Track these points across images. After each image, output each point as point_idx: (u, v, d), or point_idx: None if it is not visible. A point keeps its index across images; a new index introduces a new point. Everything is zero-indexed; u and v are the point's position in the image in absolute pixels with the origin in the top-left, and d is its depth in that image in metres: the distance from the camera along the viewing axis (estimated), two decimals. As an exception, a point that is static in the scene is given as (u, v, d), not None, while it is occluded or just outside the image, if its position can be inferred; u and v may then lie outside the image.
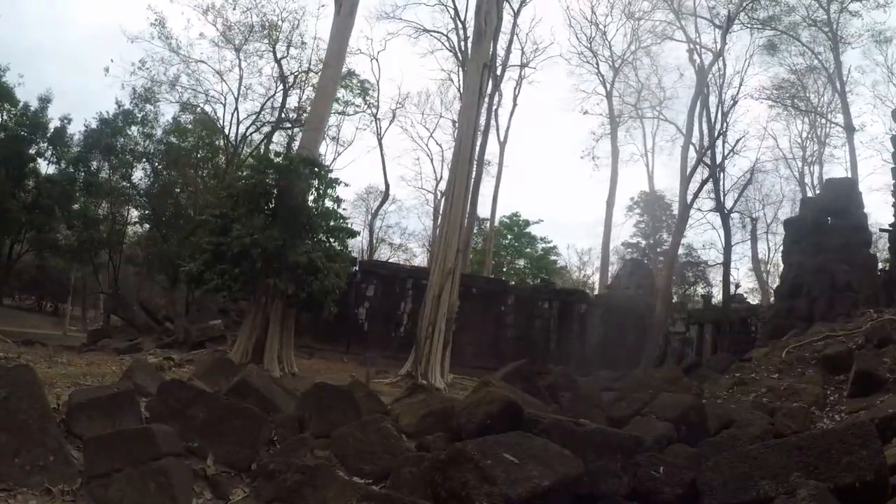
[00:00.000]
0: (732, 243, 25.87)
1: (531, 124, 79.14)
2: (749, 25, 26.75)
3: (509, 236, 43.37)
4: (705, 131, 23.51)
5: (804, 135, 35.75)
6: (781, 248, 20.90)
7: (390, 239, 44.77)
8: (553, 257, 46.66)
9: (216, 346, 15.22)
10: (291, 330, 13.85)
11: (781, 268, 20.99)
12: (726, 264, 24.86)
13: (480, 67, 16.48)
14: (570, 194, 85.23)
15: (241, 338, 13.66)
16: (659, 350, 24.20)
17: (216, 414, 5.03)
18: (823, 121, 32.84)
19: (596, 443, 5.49)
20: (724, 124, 23.92)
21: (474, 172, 23.30)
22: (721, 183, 24.09)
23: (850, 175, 25.15)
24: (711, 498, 5.17)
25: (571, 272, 51.88)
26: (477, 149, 19.19)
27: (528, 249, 44.95)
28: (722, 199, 23.52)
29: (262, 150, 26.04)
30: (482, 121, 23.83)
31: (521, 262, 44.94)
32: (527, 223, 44.39)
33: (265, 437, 5.29)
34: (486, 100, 24.29)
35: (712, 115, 23.82)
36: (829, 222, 15.45)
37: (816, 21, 27.23)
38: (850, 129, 27.19)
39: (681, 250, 40.56)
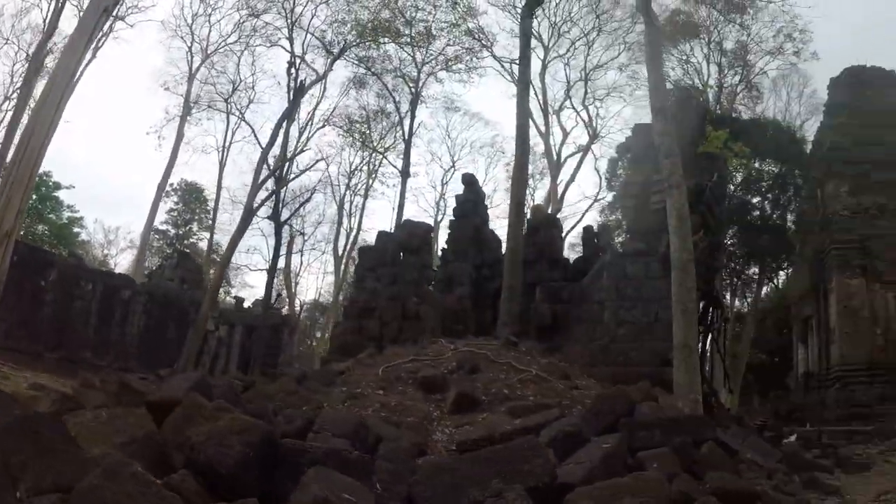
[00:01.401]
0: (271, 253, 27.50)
1: (106, 84, 67.40)
2: (348, 59, 28.91)
3: (35, 196, 35.56)
4: (284, 144, 24.65)
5: (352, 166, 39.60)
6: (354, 271, 23.42)
7: None
8: (77, 229, 40.76)
9: None
10: None
11: (350, 288, 23.21)
12: (272, 271, 26.47)
13: (100, 10, 13.98)
14: (124, 168, 78.25)
15: None
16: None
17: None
18: (380, 158, 36.60)
19: (358, 468, 5.74)
20: (304, 144, 25.59)
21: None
22: (283, 194, 25.65)
23: (398, 213, 29.45)
24: (431, 507, 6.01)
25: (94, 248, 46.00)
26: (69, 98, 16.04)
27: (50, 215, 38.16)
28: (280, 209, 25.05)
29: None
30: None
31: (41, 228, 37.96)
32: (57, 186, 37.73)
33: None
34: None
35: (296, 133, 25.14)
36: (404, 258, 17.96)
37: (405, 75, 31.00)
38: (405, 174, 31.13)
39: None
